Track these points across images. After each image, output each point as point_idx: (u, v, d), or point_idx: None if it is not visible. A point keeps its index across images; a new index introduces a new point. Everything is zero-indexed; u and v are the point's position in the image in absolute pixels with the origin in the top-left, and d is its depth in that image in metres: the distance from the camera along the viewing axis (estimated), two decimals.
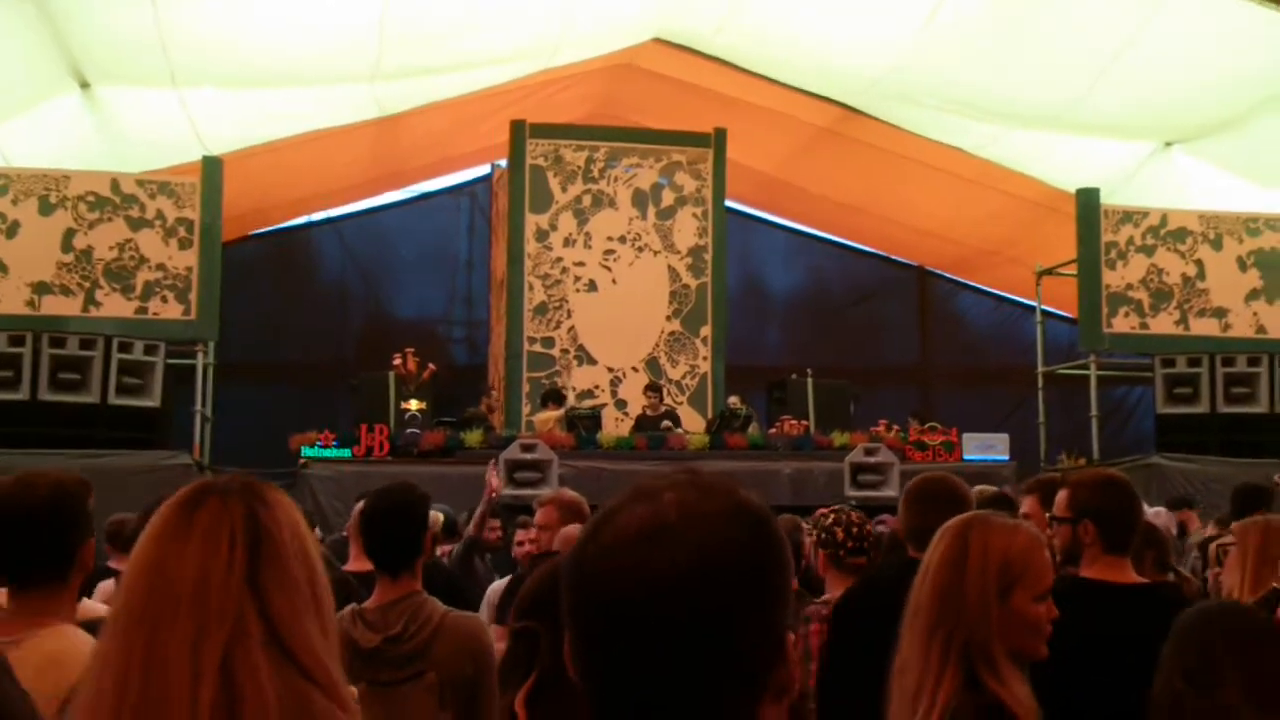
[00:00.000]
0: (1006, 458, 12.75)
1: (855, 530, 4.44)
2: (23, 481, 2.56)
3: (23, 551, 2.46)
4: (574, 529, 4.77)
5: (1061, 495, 3.61)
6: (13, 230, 11.97)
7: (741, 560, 1.14)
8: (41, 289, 11.97)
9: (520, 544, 6.43)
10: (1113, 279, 13.88)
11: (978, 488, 6.35)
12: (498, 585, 5.60)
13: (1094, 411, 13.90)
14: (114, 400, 10.99)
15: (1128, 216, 14.10)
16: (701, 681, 1.12)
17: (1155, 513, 7.15)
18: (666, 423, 12.99)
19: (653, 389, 13.62)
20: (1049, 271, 15.36)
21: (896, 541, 4.86)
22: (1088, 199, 13.98)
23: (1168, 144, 14.57)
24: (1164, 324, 13.86)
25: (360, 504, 4.68)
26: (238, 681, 1.50)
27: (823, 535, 4.45)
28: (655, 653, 1.11)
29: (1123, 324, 13.82)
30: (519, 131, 14.77)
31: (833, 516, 4.55)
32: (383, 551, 3.66)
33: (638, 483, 1.22)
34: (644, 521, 1.15)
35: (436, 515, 7.39)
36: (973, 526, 2.55)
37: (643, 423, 13.16)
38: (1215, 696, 2.39)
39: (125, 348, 11.19)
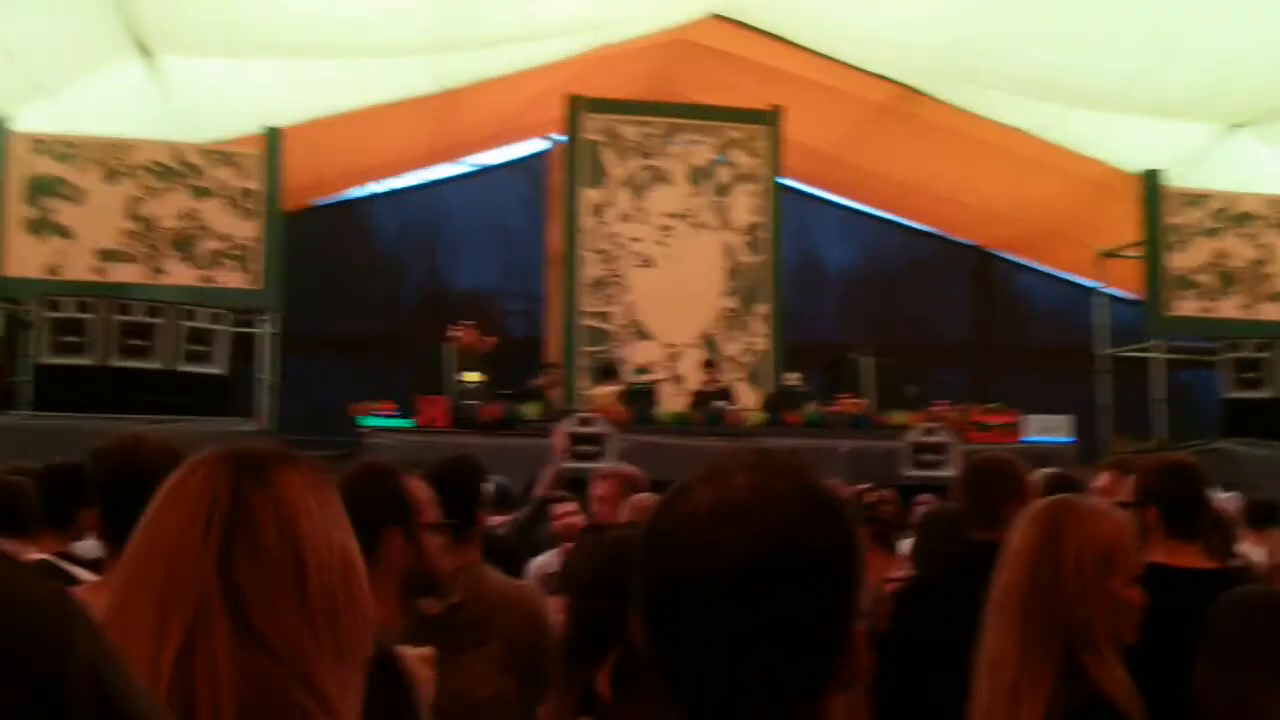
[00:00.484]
0: (1069, 439, 12.64)
1: (866, 510, 4.43)
2: (134, 440, 2.54)
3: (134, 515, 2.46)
4: (645, 498, 4.75)
5: (1130, 480, 3.59)
6: (79, 197, 12.10)
7: (812, 544, 1.13)
8: (108, 256, 12.11)
9: (559, 517, 6.42)
10: (1177, 262, 13.74)
11: (1040, 470, 6.30)
12: (546, 559, 5.58)
13: (1160, 395, 13.75)
14: (181, 367, 11.12)
15: (1193, 199, 13.93)
16: (770, 665, 1.11)
17: (1226, 498, 7.05)
18: (719, 402, 12.96)
19: (710, 365, 13.62)
20: (1112, 254, 15.20)
21: (951, 524, 4.81)
22: (1152, 181, 13.84)
23: (1235, 126, 14.35)
24: (1230, 308, 13.69)
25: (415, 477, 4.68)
26: (195, 655, 1.45)
27: (868, 512, 4.42)
28: (724, 635, 1.11)
29: (1188, 307, 13.67)
30: (575, 106, 14.77)
31: (877, 495, 4.53)
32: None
33: (709, 461, 1.21)
34: (715, 502, 1.14)
35: (487, 486, 7.43)
36: (1067, 510, 2.49)
37: (699, 399, 13.15)
38: (1243, 683, 2.35)
39: (191, 315, 11.33)
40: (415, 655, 3.10)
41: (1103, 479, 5.08)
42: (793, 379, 13.66)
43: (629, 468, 6.07)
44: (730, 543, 1.11)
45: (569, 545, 5.60)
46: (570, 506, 6.32)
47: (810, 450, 11.59)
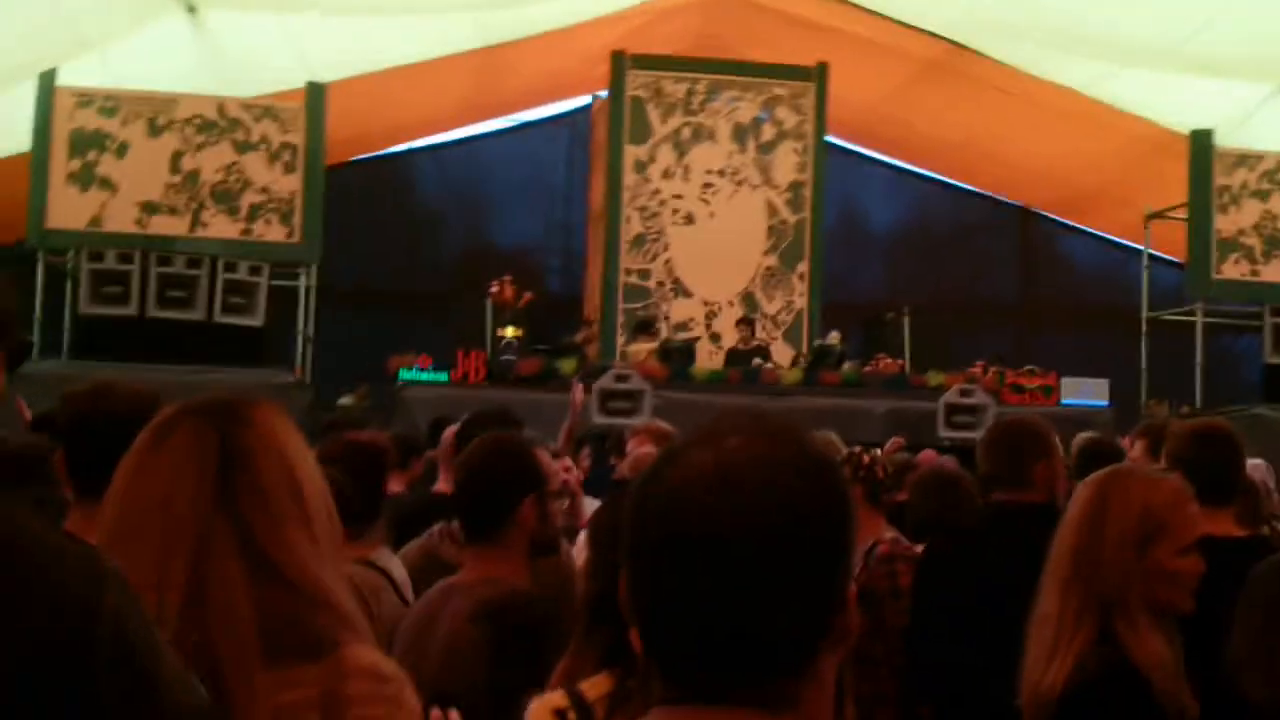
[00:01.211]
0: (1106, 403, 12.53)
1: (892, 469, 4.49)
2: (101, 387, 2.55)
3: (96, 461, 2.45)
4: (646, 453, 4.74)
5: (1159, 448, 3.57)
6: (122, 150, 12.23)
7: (805, 509, 1.13)
8: (150, 209, 12.23)
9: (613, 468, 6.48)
10: (1224, 224, 13.53)
11: (1080, 435, 6.24)
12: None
13: (1199, 359, 13.60)
14: (219, 319, 11.25)
15: (1242, 159, 13.71)
16: (760, 629, 1.11)
17: (1254, 465, 6.95)
18: (756, 360, 12.93)
19: (745, 322, 13.58)
20: (1158, 215, 14.99)
21: (945, 486, 4.80)
22: (1201, 141, 13.60)
23: None
24: (1276, 272, 13.49)
25: (451, 430, 4.72)
26: (209, 594, 1.48)
27: (861, 472, 4.40)
28: (716, 598, 1.10)
29: (1233, 270, 13.48)
30: (619, 62, 14.72)
31: (869, 455, 4.53)
32: None
33: (701, 425, 1.21)
34: (709, 466, 1.13)
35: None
36: (1115, 479, 2.53)
37: (733, 357, 13.13)
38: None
39: (231, 267, 11.45)
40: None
41: (1136, 448, 5.02)
42: (835, 337, 13.60)
43: (662, 425, 6.08)
44: (724, 507, 1.11)
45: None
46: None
47: (846, 410, 11.58)
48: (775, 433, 1.17)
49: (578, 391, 7.01)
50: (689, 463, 1.15)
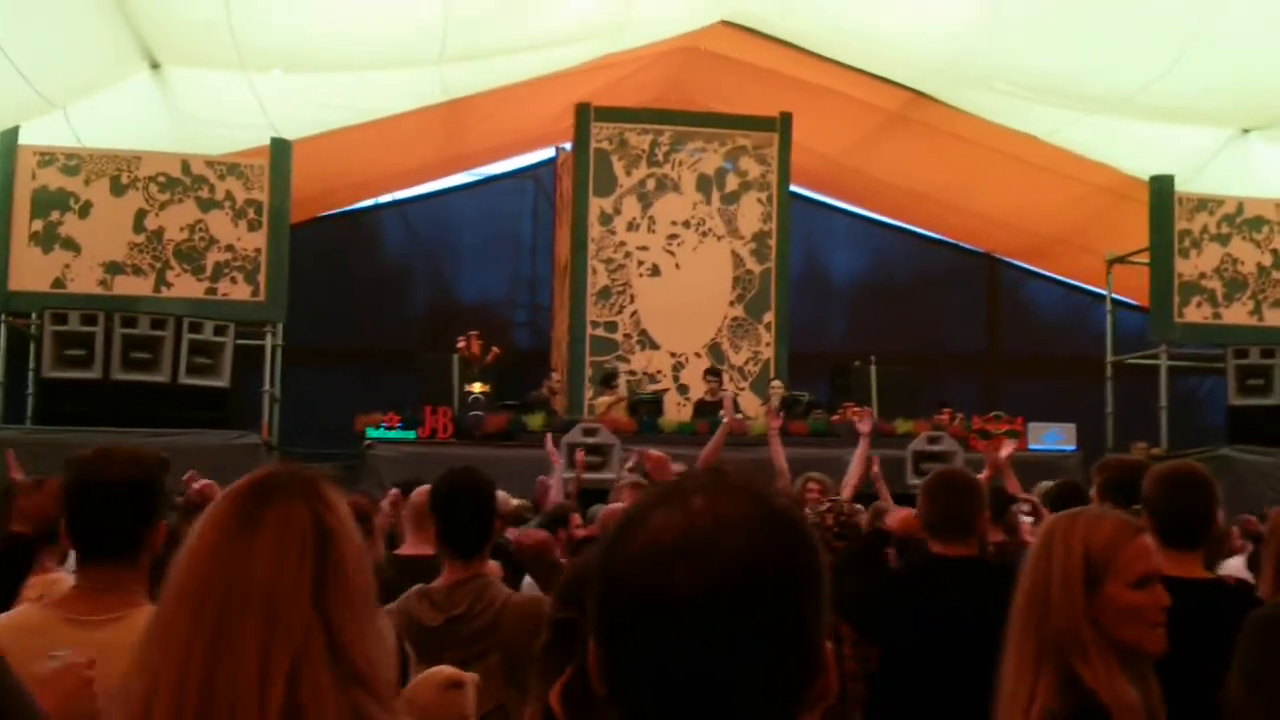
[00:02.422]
0: (1073, 447, 12.58)
1: (844, 519, 4.65)
2: (102, 453, 2.56)
3: (97, 525, 2.47)
4: (613, 508, 4.74)
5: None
6: (85, 210, 12.16)
7: (776, 571, 1.09)
8: (114, 269, 12.16)
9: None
10: (1185, 268, 13.66)
11: (1041, 483, 6.25)
12: None
13: (1163, 402, 13.69)
14: (184, 380, 11.15)
15: (1202, 204, 13.86)
16: (736, 698, 1.07)
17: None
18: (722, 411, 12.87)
19: (712, 374, 13.57)
20: (1120, 260, 15.13)
21: (911, 538, 4.87)
22: (1161, 186, 13.75)
23: (1245, 131, 14.26)
24: (1238, 314, 13.62)
25: (417, 492, 4.68)
26: (301, 697, 1.45)
27: (813, 518, 4.54)
28: (686, 669, 1.07)
29: (1195, 314, 13.60)
30: (584, 115, 14.78)
31: (828, 504, 4.79)
32: (455, 534, 3.71)
33: (662, 485, 1.18)
34: (672, 530, 1.09)
35: (507, 497, 7.45)
36: (1059, 522, 2.51)
37: (702, 408, 13.11)
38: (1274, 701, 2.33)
39: (196, 328, 11.35)
40: (469, 678, 3.02)
41: (1094, 487, 5.05)
42: (777, 385, 13.63)
43: (655, 454, 6.15)
44: (690, 576, 1.07)
45: None
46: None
47: (814, 460, 11.54)
48: (740, 490, 1.13)
49: (552, 445, 7.08)
50: (651, 527, 1.11)
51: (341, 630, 1.50)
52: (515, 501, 7.72)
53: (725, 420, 8.22)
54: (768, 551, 1.09)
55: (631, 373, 14.45)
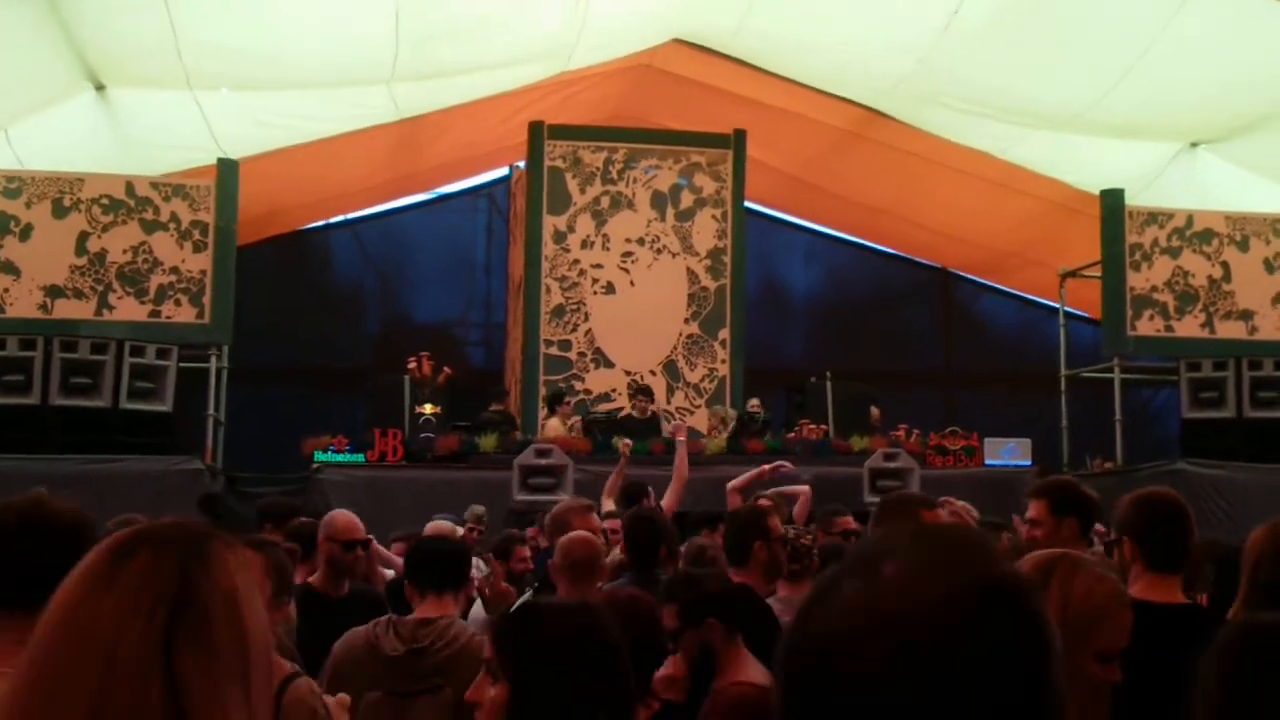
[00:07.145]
0: (1029, 463, 12.57)
1: (804, 547, 4.93)
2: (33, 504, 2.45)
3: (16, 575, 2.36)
4: (575, 536, 4.66)
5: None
6: (26, 233, 11.97)
7: (983, 656, 0.93)
8: (54, 292, 11.96)
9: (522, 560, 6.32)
10: (1137, 281, 13.70)
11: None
12: None
13: (1118, 415, 13.71)
14: (126, 405, 10.92)
15: (1153, 218, 13.91)
16: None
17: None
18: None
19: (642, 392, 13.25)
20: (1073, 274, 15.17)
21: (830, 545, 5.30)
22: (1112, 200, 13.80)
23: (1194, 145, 14.35)
24: (1189, 327, 13.66)
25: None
26: None
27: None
28: None
29: (1147, 327, 13.63)
30: (537, 133, 14.69)
31: (793, 530, 5.09)
32: (430, 575, 4.04)
33: (862, 545, 1.04)
34: (857, 607, 0.96)
35: (453, 527, 7.33)
36: (1063, 563, 2.41)
37: (630, 426, 12.71)
38: None
39: (137, 351, 11.13)
40: (334, 701, 3.12)
41: (1032, 508, 5.01)
42: (754, 405, 13.54)
43: (585, 500, 6.19)
44: (876, 659, 0.93)
45: None
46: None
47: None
48: (940, 557, 0.98)
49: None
50: (838, 601, 0.98)
51: (191, 695, 1.38)
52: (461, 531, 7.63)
53: (681, 440, 8.37)
54: (973, 630, 0.94)
55: (587, 392, 14.33)
